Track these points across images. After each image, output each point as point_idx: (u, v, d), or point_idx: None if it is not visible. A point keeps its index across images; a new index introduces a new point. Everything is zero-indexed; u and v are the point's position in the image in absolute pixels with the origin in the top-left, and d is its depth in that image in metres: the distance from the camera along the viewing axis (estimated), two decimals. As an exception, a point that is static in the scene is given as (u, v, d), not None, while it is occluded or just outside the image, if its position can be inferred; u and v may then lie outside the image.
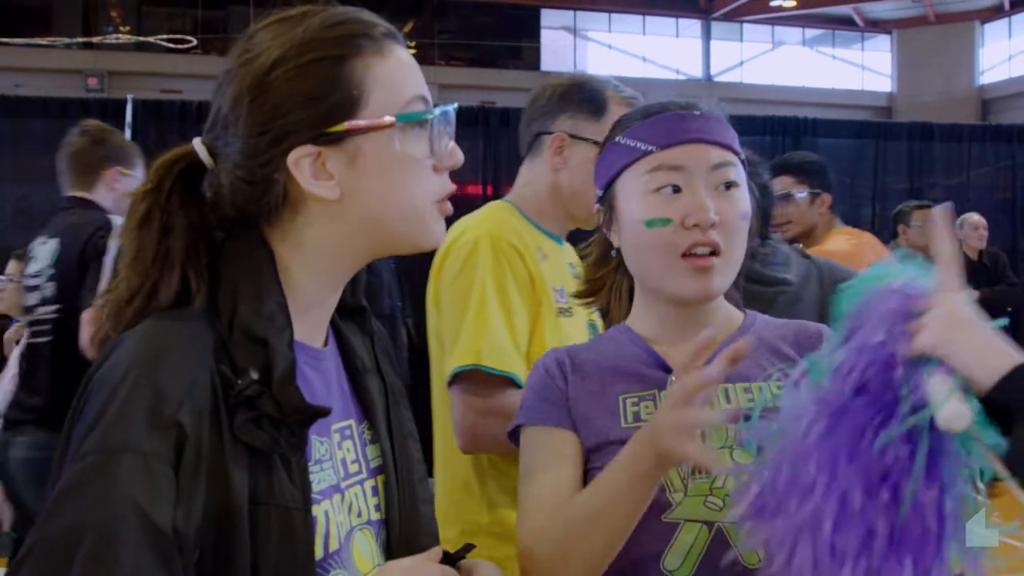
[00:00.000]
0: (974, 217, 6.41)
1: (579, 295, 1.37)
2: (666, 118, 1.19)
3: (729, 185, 1.18)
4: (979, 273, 6.37)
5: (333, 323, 1.05)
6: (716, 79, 23.95)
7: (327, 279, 0.97)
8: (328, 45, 0.91)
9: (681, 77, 23.82)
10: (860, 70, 24.84)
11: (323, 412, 0.89)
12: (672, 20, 24.00)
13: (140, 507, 0.76)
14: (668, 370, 1.19)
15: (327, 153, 0.90)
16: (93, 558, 0.74)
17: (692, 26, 24.19)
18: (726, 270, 1.17)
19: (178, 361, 0.83)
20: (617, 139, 1.22)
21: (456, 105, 0.99)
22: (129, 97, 5.90)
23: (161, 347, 0.84)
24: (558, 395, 1.20)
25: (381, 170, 0.92)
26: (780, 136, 6.86)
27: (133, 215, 0.93)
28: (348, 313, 1.08)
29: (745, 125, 5.67)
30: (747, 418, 1.03)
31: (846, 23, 24.48)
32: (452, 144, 0.97)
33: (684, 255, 1.14)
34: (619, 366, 1.21)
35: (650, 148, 1.17)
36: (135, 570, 0.75)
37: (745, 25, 24.34)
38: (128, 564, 0.75)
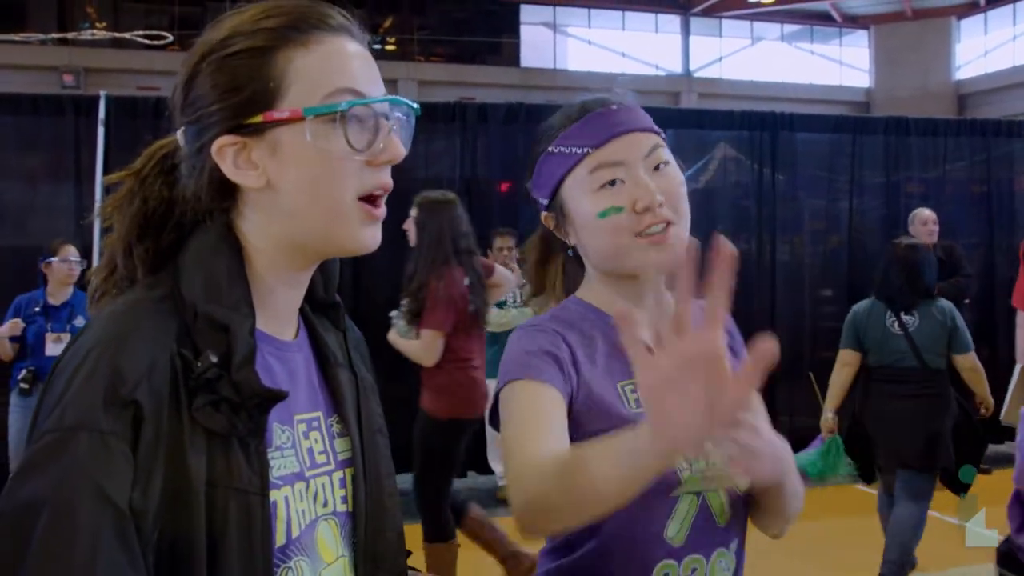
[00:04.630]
0: (924, 212, 6.39)
1: (533, 295, 1.47)
2: (590, 119, 1.28)
3: (663, 165, 1.27)
4: (934, 266, 6.39)
5: (305, 317, 1.06)
6: (695, 74, 24.03)
7: (283, 273, 0.97)
8: (252, 37, 0.92)
9: (660, 73, 23.88)
10: (838, 65, 25.00)
11: (280, 396, 0.89)
12: (651, 16, 24.06)
13: (97, 483, 0.78)
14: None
15: (251, 144, 0.92)
16: (51, 532, 0.76)
17: (671, 22, 24.26)
18: (683, 235, 1.26)
19: (138, 343, 0.84)
20: (550, 149, 1.30)
21: (398, 98, 0.96)
22: (102, 94, 5.83)
23: (122, 330, 0.85)
24: (563, 360, 1.23)
25: (298, 163, 0.91)
26: (758, 131, 6.88)
27: (117, 195, 0.98)
28: (321, 308, 1.09)
29: (724, 120, 5.75)
30: None
31: (824, 19, 24.62)
32: (390, 138, 0.94)
33: (639, 235, 1.23)
34: (607, 349, 1.28)
35: (585, 150, 1.26)
36: (92, 543, 0.76)
37: (724, 21, 24.43)
38: (86, 538, 0.76)
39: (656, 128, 1.31)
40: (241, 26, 0.93)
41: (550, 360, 1.23)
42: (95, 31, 18.12)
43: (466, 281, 3.97)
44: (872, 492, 4.64)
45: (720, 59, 24.46)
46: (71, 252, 5.17)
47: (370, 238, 0.96)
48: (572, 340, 1.27)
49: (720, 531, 1.26)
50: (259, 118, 0.91)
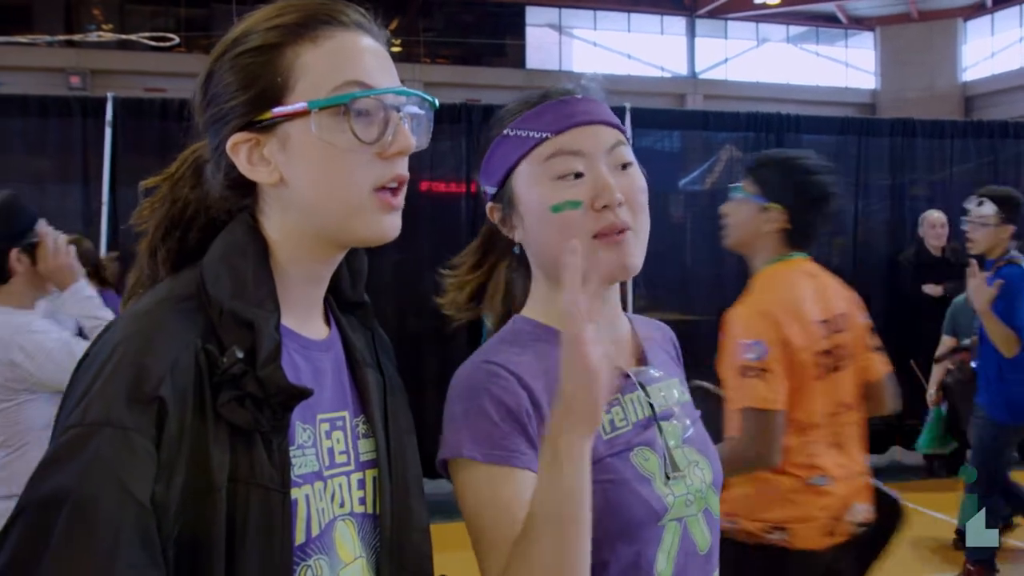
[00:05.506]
0: (933, 215, 6.44)
1: (467, 303, 1.34)
2: (551, 105, 1.17)
3: (626, 165, 1.18)
4: (941, 268, 6.41)
5: (335, 317, 1.07)
6: (701, 76, 24.01)
7: (305, 266, 0.98)
8: (263, 34, 0.93)
9: (666, 74, 23.87)
10: (844, 67, 24.95)
11: (305, 393, 0.90)
12: (657, 17, 24.05)
13: (119, 479, 0.78)
14: (623, 373, 1.18)
15: (263, 140, 0.93)
16: (72, 526, 0.77)
17: (677, 23, 24.24)
18: (640, 245, 1.17)
19: (162, 340, 0.85)
20: (506, 132, 1.18)
21: (406, 88, 0.96)
22: (110, 95, 5.85)
23: (147, 327, 0.87)
24: (526, 420, 1.09)
25: (308, 156, 0.92)
26: (763, 132, 6.86)
27: (152, 200, 1.01)
28: (349, 307, 1.10)
29: (729, 121, 5.75)
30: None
31: (830, 20, 24.59)
32: (399, 129, 0.94)
33: (595, 236, 1.12)
34: None
35: (544, 135, 1.15)
36: (113, 539, 0.77)
37: (729, 22, 24.40)
38: (106, 531, 0.77)
39: (621, 126, 1.22)
40: (254, 24, 0.95)
41: (515, 429, 1.08)
42: (101, 33, 18.19)
43: None
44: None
45: (726, 61, 24.44)
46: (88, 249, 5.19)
47: (388, 227, 0.96)
48: (530, 379, 1.11)
49: (702, 560, 1.17)
50: (269, 114, 0.92)
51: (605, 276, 1.14)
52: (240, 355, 0.86)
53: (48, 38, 17.03)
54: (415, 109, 0.98)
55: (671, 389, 1.24)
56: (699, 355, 6.76)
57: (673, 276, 6.74)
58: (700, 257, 6.96)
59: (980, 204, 4.19)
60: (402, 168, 0.96)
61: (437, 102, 1.01)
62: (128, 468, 0.79)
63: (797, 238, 2.37)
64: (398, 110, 0.94)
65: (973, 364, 4.61)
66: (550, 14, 23.31)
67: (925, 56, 23.31)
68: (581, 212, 1.12)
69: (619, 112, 6.40)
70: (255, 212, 0.97)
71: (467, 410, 1.09)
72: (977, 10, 23.44)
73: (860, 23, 24.72)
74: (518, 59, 22.94)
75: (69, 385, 0.87)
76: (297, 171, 0.93)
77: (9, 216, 2.49)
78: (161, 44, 14.66)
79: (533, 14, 23.20)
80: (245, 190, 0.96)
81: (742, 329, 2.23)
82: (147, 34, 15.18)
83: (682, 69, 24.12)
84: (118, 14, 20.74)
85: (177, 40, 16.00)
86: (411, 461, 1.07)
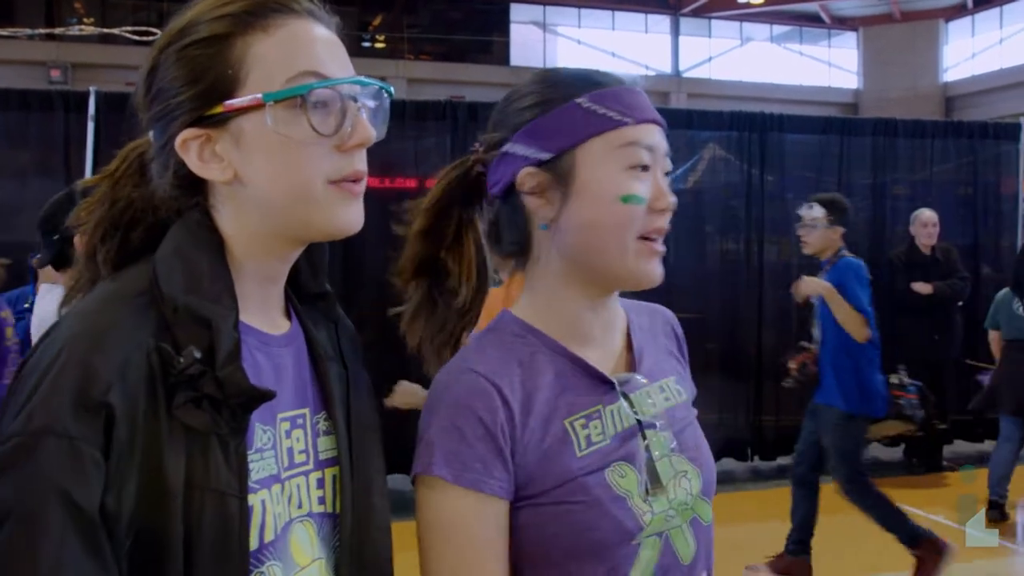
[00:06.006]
0: (925, 214, 6.52)
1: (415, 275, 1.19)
2: (628, 91, 1.11)
3: (667, 173, 1.14)
4: (932, 268, 6.49)
5: (296, 309, 1.03)
6: (685, 75, 24.07)
7: (263, 261, 0.94)
8: (210, 24, 0.89)
9: (650, 72, 23.91)
10: (827, 67, 25.08)
11: (268, 396, 0.86)
12: (641, 16, 24.09)
13: (64, 490, 0.75)
14: (606, 381, 1.12)
15: (214, 136, 0.88)
16: (14, 542, 0.74)
17: (661, 22, 24.30)
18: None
19: (111, 339, 0.81)
20: (578, 101, 1.09)
21: (364, 79, 0.92)
22: (92, 89, 5.81)
23: (95, 327, 0.82)
24: (501, 437, 1.04)
25: (263, 150, 0.88)
26: (747, 131, 6.89)
27: (91, 199, 0.96)
28: (310, 299, 1.05)
29: (713, 120, 5.80)
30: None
31: (813, 20, 24.70)
32: (358, 120, 0.90)
33: (642, 237, 1.10)
34: (552, 381, 1.10)
35: (626, 120, 1.09)
36: (58, 553, 0.74)
37: (713, 21, 24.47)
38: (51, 547, 0.74)
39: None
40: (201, 13, 0.90)
41: (490, 450, 1.03)
42: (83, 26, 18.06)
43: None
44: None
45: (709, 59, 24.51)
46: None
47: (351, 219, 0.92)
48: (508, 389, 1.06)
49: (685, 569, 1.12)
50: (220, 108, 0.87)
51: (635, 283, 1.12)
52: (198, 355, 0.82)
53: (29, 31, 16.89)
54: (372, 100, 0.93)
55: (659, 393, 1.18)
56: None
57: (656, 274, 6.76)
58: (683, 255, 6.98)
59: (810, 208, 4.53)
60: (360, 163, 0.92)
61: (393, 90, 0.97)
62: (73, 478, 0.75)
63: None
64: (355, 100, 0.90)
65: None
66: (534, 11, 23.31)
67: (907, 56, 23.46)
68: (642, 209, 1.09)
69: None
70: (207, 207, 0.92)
71: (444, 427, 1.04)
72: (958, 11, 23.60)
73: (843, 23, 24.85)
74: (502, 56, 22.93)
75: (10, 389, 0.82)
76: (252, 167, 0.88)
77: (73, 206, 2.56)
78: (143, 38, 14.55)
79: (517, 11, 23.19)
80: (195, 188, 0.91)
81: None
82: (129, 28, 15.07)
83: (666, 67, 24.17)
84: (100, 8, 20.59)
85: (159, 34, 15.91)
86: (374, 458, 1.03)
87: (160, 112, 0.90)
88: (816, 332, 4.64)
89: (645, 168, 1.09)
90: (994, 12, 22.87)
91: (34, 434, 0.76)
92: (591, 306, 1.14)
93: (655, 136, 1.11)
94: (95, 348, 0.80)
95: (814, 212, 4.49)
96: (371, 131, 0.91)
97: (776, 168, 6.97)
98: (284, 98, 0.87)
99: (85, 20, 19.79)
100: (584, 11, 23.64)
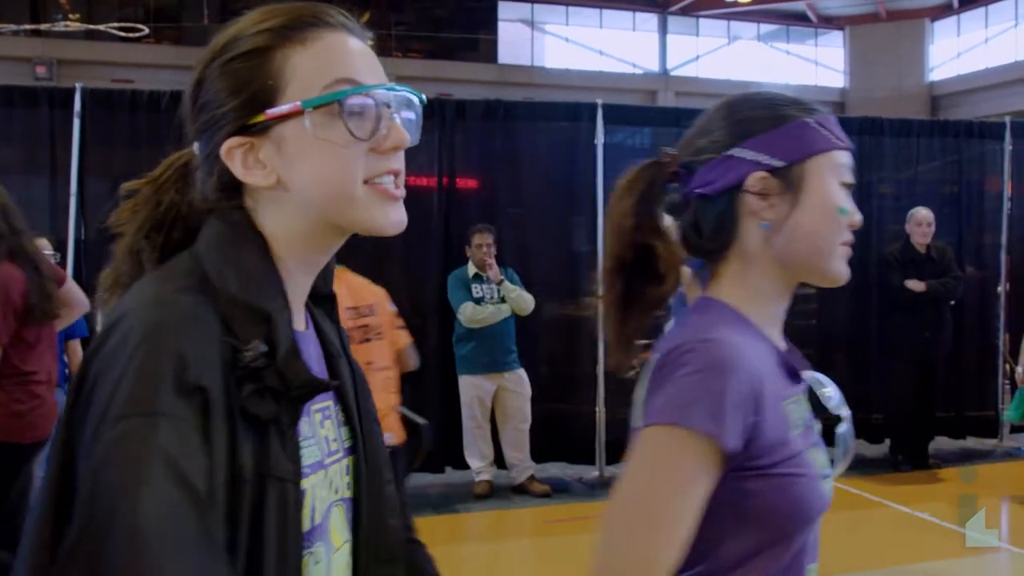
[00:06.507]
0: (920, 212, 6.58)
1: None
2: (837, 121, 1.29)
3: None
4: (926, 266, 6.53)
5: (309, 309, 1.09)
6: (672, 73, 24.12)
7: (303, 259, 0.99)
8: (251, 39, 0.95)
9: (638, 71, 23.95)
10: (814, 66, 25.17)
11: (328, 385, 0.93)
12: (629, 14, 24.12)
13: (178, 467, 0.77)
14: (795, 374, 1.25)
15: (257, 143, 0.94)
16: (133, 519, 0.75)
17: (649, 20, 24.33)
18: None
19: (194, 331, 0.85)
20: (807, 121, 1.25)
21: (396, 85, 0.98)
22: (78, 86, 5.79)
23: (175, 316, 0.85)
24: (747, 414, 1.12)
25: (303, 155, 0.93)
26: (734, 130, 6.92)
27: (133, 201, 1.02)
28: (318, 300, 1.11)
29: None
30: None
31: (800, 19, 24.79)
32: (393, 125, 0.96)
33: (842, 243, 1.26)
34: (771, 366, 1.21)
35: (842, 144, 1.26)
36: (176, 531, 0.76)
37: (701, 20, 24.53)
38: (168, 524, 0.76)
39: None
40: (242, 30, 0.96)
41: (738, 418, 1.10)
42: (68, 22, 17.96)
43: (26, 282, 3.48)
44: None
45: (697, 58, 24.56)
46: (43, 244, 5.08)
47: (391, 219, 0.97)
48: (754, 364, 1.15)
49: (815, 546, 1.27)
50: (262, 116, 0.93)
51: (833, 282, 1.27)
52: (264, 348, 0.87)
53: (14, 27, 16.79)
54: (405, 107, 0.99)
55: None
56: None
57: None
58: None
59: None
60: (396, 162, 0.97)
61: (425, 99, 1.03)
62: (184, 458, 0.78)
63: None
64: (389, 106, 0.96)
65: None
66: (522, 9, 23.31)
67: (893, 56, 23.58)
68: (847, 220, 1.25)
69: (591, 108, 6.42)
70: (246, 208, 0.97)
71: (708, 385, 1.10)
72: (944, 11, 23.73)
73: (830, 22, 24.95)
74: (490, 54, 22.92)
75: (84, 380, 0.84)
76: (294, 171, 0.93)
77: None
78: (130, 35, 14.50)
79: (505, 9, 23.19)
80: (235, 191, 0.97)
81: None
82: (115, 24, 15.00)
83: (654, 66, 24.21)
84: (86, 3, 20.47)
85: (146, 31, 15.83)
86: (380, 448, 1.10)
87: (206, 123, 0.96)
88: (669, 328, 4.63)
89: (848, 187, 1.26)
90: (979, 12, 23.00)
91: (145, 415, 0.78)
92: (785, 299, 1.29)
93: (851, 161, 1.28)
94: (181, 336, 0.83)
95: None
96: (405, 134, 0.96)
97: (763, 166, 6.99)
98: (321, 104, 0.92)
99: (71, 16, 19.67)
100: (572, 9, 23.66)
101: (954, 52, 23.62)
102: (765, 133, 1.24)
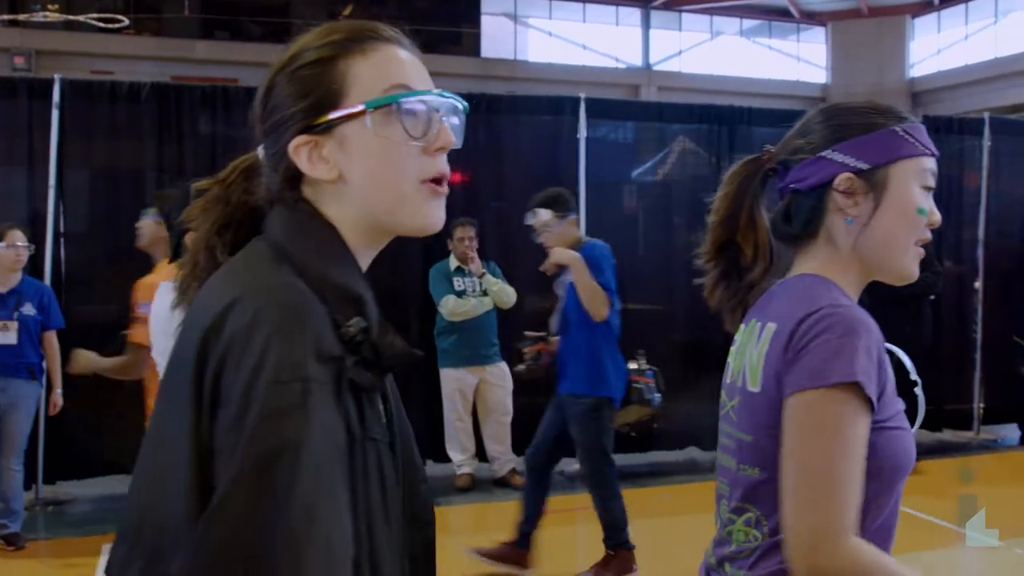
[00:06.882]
0: None
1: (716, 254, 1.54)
2: (923, 128, 1.43)
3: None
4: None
5: None
6: (655, 68, 24.15)
7: (362, 251, 1.09)
8: (318, 49, 1.07)
9: (620, 65, 23.97)
10: (796, 61, 25.26)
11: (421, 358, 1.06)
12: (612, 8, 24.12)
13: (327, 425, 0.90)
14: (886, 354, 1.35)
15: (322, 141, 1.05)
16: (301, 471, 0.86)
17: (632, 14, 24.34)
18: None
19: (315, 310, 0.96)
20: (895, 129, 1.40)
21: (441, 91, 1.09)
22: (57, 77, 5.74)
23: (300, 297, 0.96)
24: (880, 371, 1.29)
25: (364, 152, 1.05)
26: (716, 125, 6.95)
27: (204, 199, 1.13)
28: None
29: (682, 113, 5.80)
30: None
31: (782, 15, 24.86)
32: (442, 127, 1.07)
33: (916, 243, 1.42)
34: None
35: (928, 150, 1.42)
36: (331, 483, 0.90)
37: (684, 14, 24.56)
38: (328, 477, 0.89)
39: None
40: (309, 43, 1.08)
41: (878, 371, 1.28)
42: (47, 13, 17.78)
43: None
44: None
45: (679, 53, 24.60)
46: (18, 237, 5.02)
47: (436, 216, 1.09)
48: (881, 343, 1.31)
49: None
50: (327, 117, 1.04)
51: (902, 280, 1.45)
52: (364, 325, 0.98)
53: (-8, 17, 16.61)
54: (452, 113, 1.10)
55: None
56: (650, 342, 6.81)
57: (624, 266, 6.79)
58: (650, 248, 7.03)
59: (535, 215, 4.48)
60: (444, 164, 1.09)
61: (468, 106, 1.14)
62: (332, 419, 0.91)
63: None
64: (438, 111, 1.08)
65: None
66: (505, 3, 23.26)
67: (874, 52, 23.69)
68: (924, 221, 1.41)
69: (574, 102, 6.42)
70: (310, 201, 1.07)
71: (856, 345, 1.26)
72: (924, 7, 23.86)
73: (812, 18, 25.04)
74: (473, 48, 22.85)
75: (211, 350, 0.92)
76: (355, 166, 1.05)
77: (186, 202, 2.72)
78: (110, 25, 14.39)
79: (488, 2, 23.13)
80: (296, 185, 1.07)
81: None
82: (95, 15, 14.90)
83: (636, 60, 24.23)
84: (65, -6, 20.29)
85: (126, 22, 15.73)
86: (414, 444, 1.17)
87: (274, 124, 1.07)
88: (554, 322, 4.65)
89: (929, 190, 1.42)
90: (959, 9, 23.15)
91: (300, 380, 0.89)
92: (857, 293, 1.44)
93: (935, 167, 1.43)
94: (311, 314, 0.95)
95: (540, 216, 4.45)
96: (452, 136, 1.09)
97: (744, 161, 7.02)
98: (381, 105, 1.04)
99: (50, 7, 19.46)
100: (555, 3, 23.63)
101: (934, 48, 23.76)
102: (855, 138, 1.40)
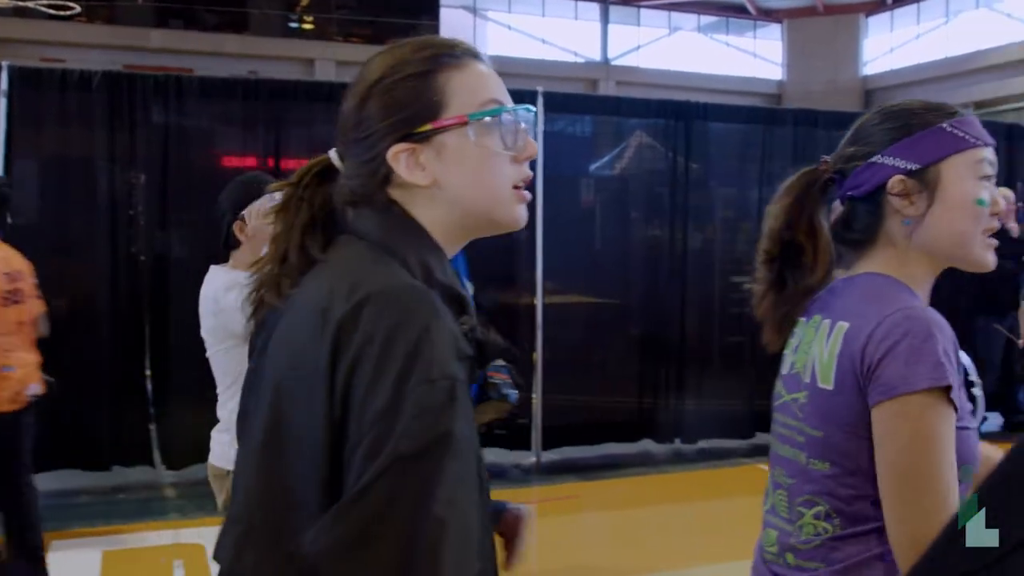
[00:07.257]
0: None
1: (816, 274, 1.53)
2: (977, 120, 1.45)
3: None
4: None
5: None
6: (613, 63, 24.25)
7: (448, 251, 1.15)
8: (415, 64, 1.13)
9: (579, 60, 24.03)
10: (752, 58, 25.51)
11: (515, 353, 1.12)
12: (571, 3, 24.17)
13: (469, 418, 0.99)
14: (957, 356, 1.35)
15: (419, 149, 1.12)
16: (455, 460, 0.95)
17: (591, 9, 24.42)
18: None
19: (445, 311, 1.02)
20: (943, 126, 1.42)
21: (527, 106, 1.17)
22: (4, 64, 5.62)
23: (431, 298, 1.02)
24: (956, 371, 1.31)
25: (463, 160, 1.12)
26: (672, 120, 6.98)
27: (282, 201, 1.18)
28: None
29: (640, 108, 5.82)
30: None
31: (739, 11, 25.09)
32: (527, 138, 1.16)
33: (983, 231, 1.42)
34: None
35: (979, 141, 1.43)
36: (477, 474, 1.00)
37: (642, 10, 24.70)
38: (475, 469, 1.00)
39: None
40: (403, 58, 1.14)
41: (956, 371, 1.30)
42: (-4, -2, 17.38)
43: None
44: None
45: (638, 48, 24.73)
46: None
47: (522, 216, 1.17)
48: (952, 341, 1.33)
49: None
50: (428, 126, 1.11)
51: (978, 268, 1.45)
52: (474, 323, 1.08)
53: (-63, 2, 16.20)
54: (526, 123, 1.18)
55: None
56: (605, 337, 6.80)
57: (581, 260, 6.83)
58: (608, 242, 7.06)
59: None
60: (529, 170, 1.17)
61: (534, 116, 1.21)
62: (470, 416, 0.99)
63: None
64: (523, 124, 1.16)
65: None
66: (465, -5, 23.21)
67: (829, 49, 24.01)
68: (986, 211, 1.42)
69: (531, 96, 6.37)
70: (400, 203, 1.13)
71: (935, 347, 1.28)
72: (878, 6, 24.23)
73: (768, 15, 25.30)
74: (432, 40, 22.76)
75: (339, 341, 0.98)
76: (452, 172, 1.12)
77: (237, 195, 2.80)
78: (61, 12, 14.11)
79: (448, -5, 23.06)
80: (384, 187, 1.14)
81: None
82: (46, 1, 14.59)
83: (595, 55, 24.31)
84: (14, -21, 19.85)
85: (78, 9, 15.42)
86: None
87: (367, 134, 1.13)
88: None
89: (988, 178, 1.43)
90: (912, 8, 23.55)
91: (446, 379, 0.97)
92: (929, 284, 1.46)
93: (993, 155, 1.45)
94: (445, 314, 1.02)
95: None
96: (536, 147, 1.18)
97: (701, 156, 7.08)
98: (483, 117, 1.12)
99: (-2, -8, 19.04)
100: (514, -4, 23.62)
101: (887, 47, 24.14)
102: (904, 139, 1.43)
